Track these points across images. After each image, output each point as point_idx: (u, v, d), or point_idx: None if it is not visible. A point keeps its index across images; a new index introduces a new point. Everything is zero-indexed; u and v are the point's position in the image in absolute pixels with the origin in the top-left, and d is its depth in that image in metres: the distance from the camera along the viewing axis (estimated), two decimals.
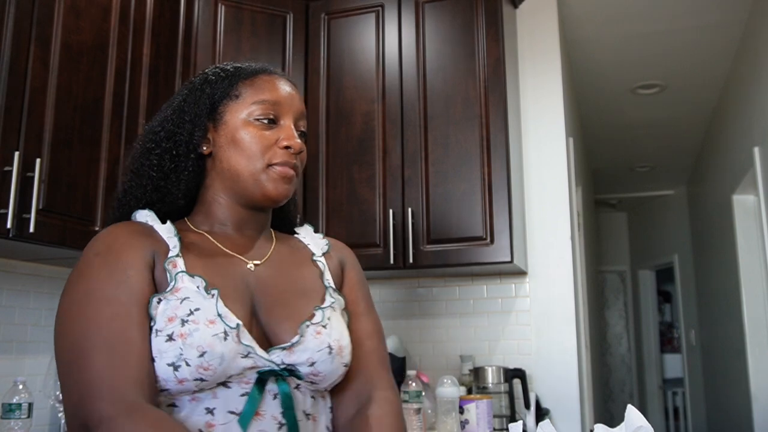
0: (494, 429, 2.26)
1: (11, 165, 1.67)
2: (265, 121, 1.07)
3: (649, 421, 0.94)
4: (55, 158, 1.81)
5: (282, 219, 1.22)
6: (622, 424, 0.96)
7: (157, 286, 0.97)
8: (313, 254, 1.15)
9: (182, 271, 0.97)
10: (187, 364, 0.89)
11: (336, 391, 1.07)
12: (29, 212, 1.70)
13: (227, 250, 1.06)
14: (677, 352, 7.24)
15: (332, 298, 1.08)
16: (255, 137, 1.06)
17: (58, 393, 1.90)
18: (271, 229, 1.18)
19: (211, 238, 1.07)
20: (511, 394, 2.47)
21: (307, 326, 1.00)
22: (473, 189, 2.50)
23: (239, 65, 1.13)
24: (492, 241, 2.46)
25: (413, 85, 2.66)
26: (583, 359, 2.99)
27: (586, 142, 5.01)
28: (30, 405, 1.86)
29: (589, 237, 4.63)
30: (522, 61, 2.98)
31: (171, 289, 0.95)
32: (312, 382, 1.00)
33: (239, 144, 1.06)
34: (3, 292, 2.08)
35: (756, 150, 3.49)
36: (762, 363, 4.01)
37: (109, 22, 2.07)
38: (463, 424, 2.15)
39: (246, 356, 0.93)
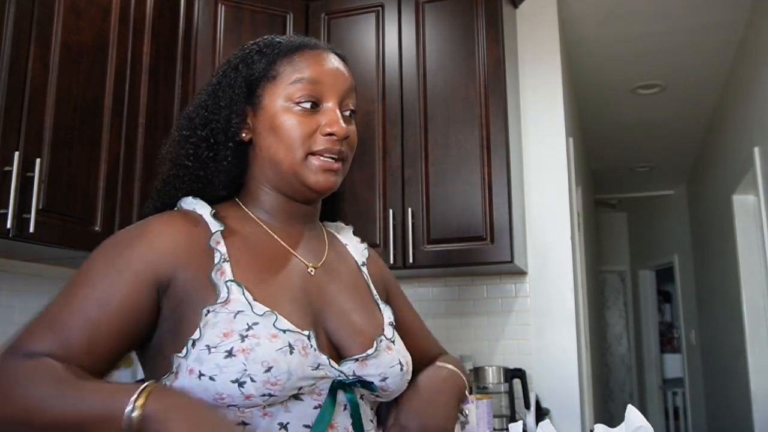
0: (494, 429, 2.26)
1: (11, 165, 1.67)
2: (306, 105, 0.96)
3: (649, 421, 0.94)
4: (55, 158, 1.81)
5: (329, 210, 1.16)
6: (622, 424, 0.96)
7: (183, 297, 0.88)
8: (356, 262, 1.10)
9: (231, 280, 0.88)
10: (252, 380, 0.81)
11: None
12: (29, 212, 1.70)
13: (284, 245, 0.98)
14: (677, 352, 7.24)
15: (389, 315, 1.04)
16: (294, 124, 0.95)
17: None
18: (321, 224, 1.10)
19: (266, 227, 0.99)
20: (511, 394, 2.47)
21: (381, 341, 0.96)
22: (473, 189, 2.50)
23: (280, 40, 1.02)
24: (492, 241, 2.45)
25: (413, 85, 2.66)
26: (583, 359, 2.99)
27: (586, 142, 5.00)
28: None
29: (589, 237, 4.62)
30: (522, 61, 2.98)
31: (222, 301, 0.86)
32: (378, 396, 0.97)
33: (278, 131, 0.96)
34: (3, 292, 2.08)
35: (756, 150, 3.49)
36: (762, 363, 4.00)
37: (109, 22, 2.07)
38: (463, 424, 2.15)
39: (316, 368, 0.87)
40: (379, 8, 2.76)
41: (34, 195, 1.71)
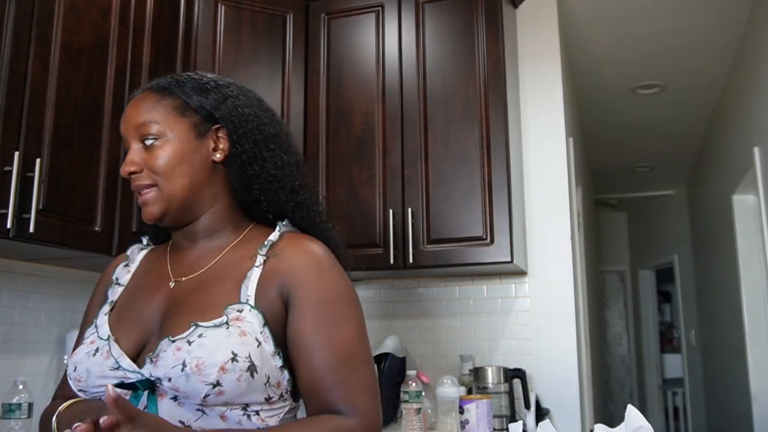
0: (494, 429, 2.26)
1: (11, 165, 1.67)
2: (127, 151, 1.12)
3: (649, 421, 0.94)
4: (55, 158, 1.81)
5: (268, 215, 1.16)
6: (622, 424, 0.96)
7: None
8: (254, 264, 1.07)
9: (112, 300, 1.13)
10: (70, 378, 1.04)
11: None
12: (29, 212, 1.70)
13: (168, 264, 1.15)
14: (677, 352, 7.24)
15: (225, 317, 0.99)
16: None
17: None
18: (245, 232, 1.13)
19: (168, 254, 1.17)
20: (511, 394, 2.47)
21: (171, 341, 0.97)
22: (473, 189, 2.50)
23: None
24: (492, 241, 2.46)
25: (413, 85, 2.66)
26: (583, 359, 2.99)
27: (586, 142, 5.00)
28: (30, 405, 1.86)
29: (589, 237, 4.63)
30: (522, 61, 2.98)
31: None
32: (186, 397, 0.96)
33: None
34: (3, 292, 2.08)
35: (756, 150, 3.49)
36: (762, 363, 4.00)
37: (109, 22, 2.07)
38: (463, 424, 2.15)
39: (117, 368, 1.00)
40: (379, 8, 2.76)
41: (34, 195, 1.71)
